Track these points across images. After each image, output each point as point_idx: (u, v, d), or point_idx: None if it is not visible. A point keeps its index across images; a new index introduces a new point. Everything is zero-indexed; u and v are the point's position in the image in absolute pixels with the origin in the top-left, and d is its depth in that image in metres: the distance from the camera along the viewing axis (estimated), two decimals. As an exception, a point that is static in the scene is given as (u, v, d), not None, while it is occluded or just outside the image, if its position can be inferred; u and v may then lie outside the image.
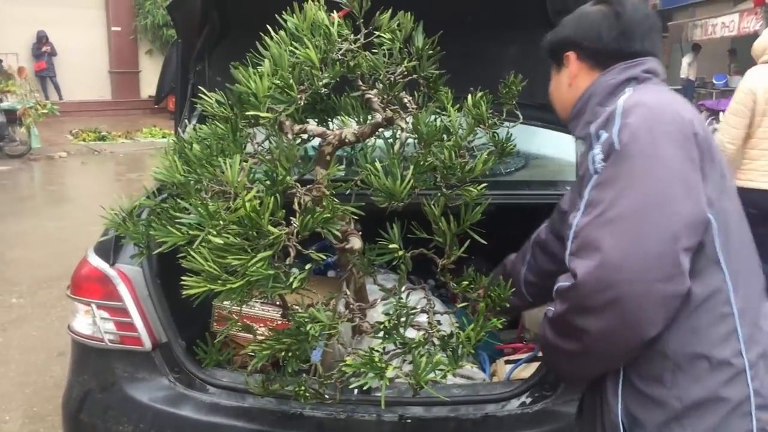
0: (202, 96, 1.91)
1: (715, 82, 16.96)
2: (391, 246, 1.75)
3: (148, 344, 2.24)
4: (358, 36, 1.93)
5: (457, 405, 2.08)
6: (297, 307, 1.95)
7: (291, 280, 1.67)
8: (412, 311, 1.75)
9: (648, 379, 1.42)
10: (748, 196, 3.10)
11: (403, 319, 1.71)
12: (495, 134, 1.92)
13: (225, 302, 2.45)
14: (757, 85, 4.15)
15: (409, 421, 2.05)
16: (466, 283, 1.83)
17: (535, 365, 2.26)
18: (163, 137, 14.18)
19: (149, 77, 18.14)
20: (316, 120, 2.19)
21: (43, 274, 5.92)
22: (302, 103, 1.72)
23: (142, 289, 2.27)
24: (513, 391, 2.10)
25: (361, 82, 1.98)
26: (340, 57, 1.82)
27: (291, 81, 1.67)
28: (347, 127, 1.98)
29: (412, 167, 1.71)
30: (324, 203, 1.71)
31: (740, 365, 1.39)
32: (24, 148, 12.35)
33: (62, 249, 6.65)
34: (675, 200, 1.33)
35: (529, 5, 2.55)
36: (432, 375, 1.56)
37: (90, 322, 2.30)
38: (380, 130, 1.98)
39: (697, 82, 18.04)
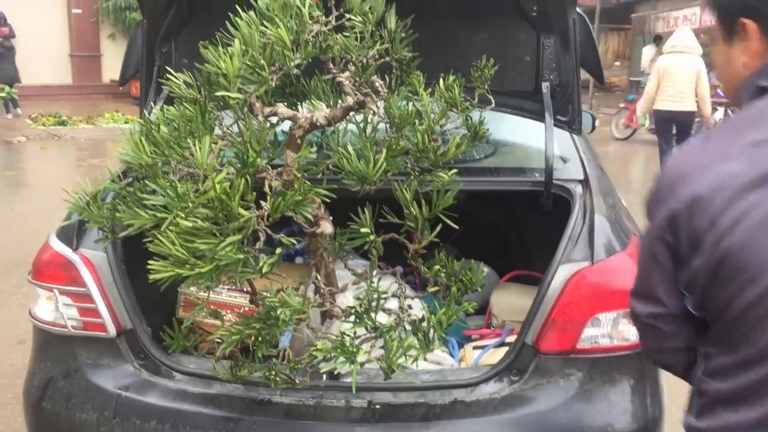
0: (170, 77, 1.86)
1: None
2: (362, 230, 1.73)
3: (112, 330, 2.20)
4: (330, 18, 1.91)
5: (426, 390, 2.08)
6: (266, 293, 1.93)
7: (261, 264, 1.65)
8: (383, 296, 1.75)
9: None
10: None
11: (374, 304, 1.70)
12: (468, 118, 1.91)
13: (192, 288, 2.43)
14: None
15: (378, 407, 2.05)
16: (438, 267, 1.82)
17: (502, 351, 2.27)
18: (126, 122, 13.88)
19: (111, 61, 17.75)
20: (286, 103, 2.16)
21: (1, 261, 5.78)
22: (273, 85, 1.69)
23: (106, 274, 2.22)
24: (481, 376, 2.11)
25: (332, 65, 1.95)
26: (311, 38, 1.79)
27: (262, 61, 1.64)
28: (318, 110, 1.95)
29: (384, 150, 1.69)
30: (295, 186, 1.69)
31: None
32: (-20, 133, 12.04)
33: (21, 235, 6.48)
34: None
35: None
36: (403, 359, 1.56)
37: (52, 308, 2.25)
38: (351, 114, 1.96)
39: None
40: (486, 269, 3.03)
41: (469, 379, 2.12)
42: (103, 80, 18.08)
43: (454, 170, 1.90)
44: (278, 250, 1.71)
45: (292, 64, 1.70)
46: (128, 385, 2.17)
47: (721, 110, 14.40)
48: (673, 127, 8.45)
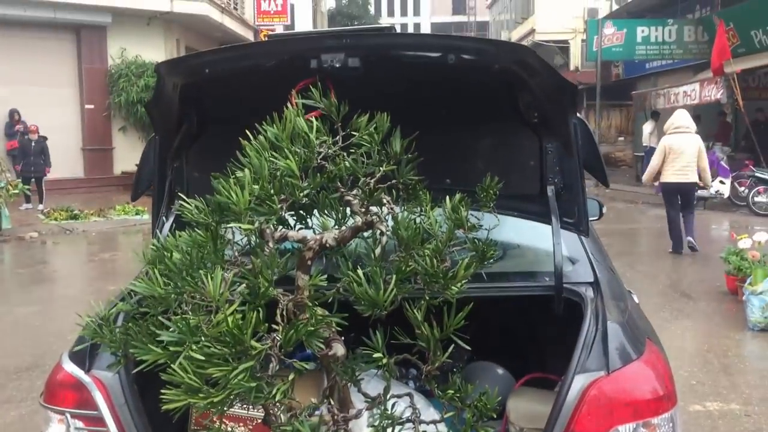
0: (183, 204, 1.90)
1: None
2: (375, 355, 1.73)
3: (123, 455, 2.16)
4: (336, 138, 1.95)
5: None
6: (279, 415, 1.91)
7: (274, 392, 1.65)
8: (399, 422, 1.72)
9: None
10: None
11: (389, 431, 1.68)
12: (475, 240, 1.93)
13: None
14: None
15: None
16: (452, 392, 1.80)
17: (522, 464, 2.22)
18: (137, 214, 14.09)
19: (122, 153, 18.15)
20: (294, 216, 2.19)
21: (12, 364, 5.74)
22: (283, 213, 1.72)
23: (118, 396, 2.20)
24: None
25: (340, 184, 1.99)
26: (320, 163, 1.83)
27: (272, 192, 1.68)
28: (327, 230, 1.98)
29: (394, 276, 1.70)
30: (307, 314, 1.70)
31: None
32: (-7, 229, 12.21)
33: (32, 336, 6.49)
34: None
35: (502, 100, 2.61)
36: (421, 492, 1.53)
37: (63, 431, 2.23)
38: (360, 231, 1.98)
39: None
40: (500, 371, 2.99)
41: None
42: (115, 172, 18.39)
43: (464, 281, 1.90)
44: (291, 376, 1.71)
45: (302, 194, 1.73)
46: None
47: (727, 182, 14.49)
48: (678, 196, 9.96)
